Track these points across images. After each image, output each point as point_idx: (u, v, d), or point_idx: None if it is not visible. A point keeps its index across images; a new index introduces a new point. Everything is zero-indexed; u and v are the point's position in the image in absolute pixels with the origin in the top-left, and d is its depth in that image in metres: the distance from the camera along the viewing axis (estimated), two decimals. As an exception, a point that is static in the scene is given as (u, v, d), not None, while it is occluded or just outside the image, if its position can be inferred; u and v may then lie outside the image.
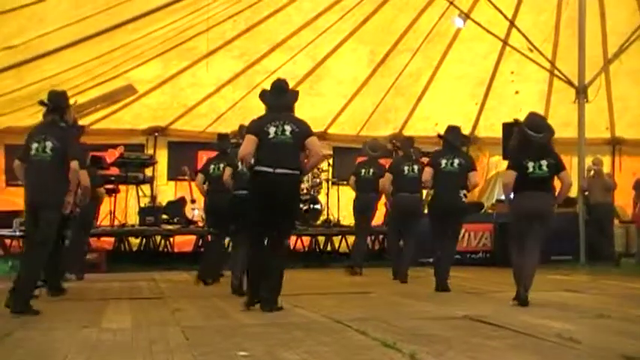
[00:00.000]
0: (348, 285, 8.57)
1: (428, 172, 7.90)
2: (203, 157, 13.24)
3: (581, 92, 11.59)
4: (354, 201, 10.01)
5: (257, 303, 5.90)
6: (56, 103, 6.22)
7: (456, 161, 7.77)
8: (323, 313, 5.77)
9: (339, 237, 12.63)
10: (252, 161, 6.02)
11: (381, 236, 12.65)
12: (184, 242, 12.34)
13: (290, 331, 4.85)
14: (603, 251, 11.56)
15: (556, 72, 12.20)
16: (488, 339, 4.57)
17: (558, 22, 12.62)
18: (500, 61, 13.25)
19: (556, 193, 6.56)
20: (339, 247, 12.62)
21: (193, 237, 12.15)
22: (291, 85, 6.62)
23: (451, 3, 11.30)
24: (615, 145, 14.64)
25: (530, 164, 6.35)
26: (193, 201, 12.10)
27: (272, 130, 6.01)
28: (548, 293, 7.37)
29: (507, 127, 11.89)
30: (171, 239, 12.06)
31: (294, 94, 6.40)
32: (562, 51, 12.69)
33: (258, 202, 6.05)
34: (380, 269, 10.30)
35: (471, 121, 13.97)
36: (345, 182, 13.34)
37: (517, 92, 13.56)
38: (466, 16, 11.63)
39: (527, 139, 6.40)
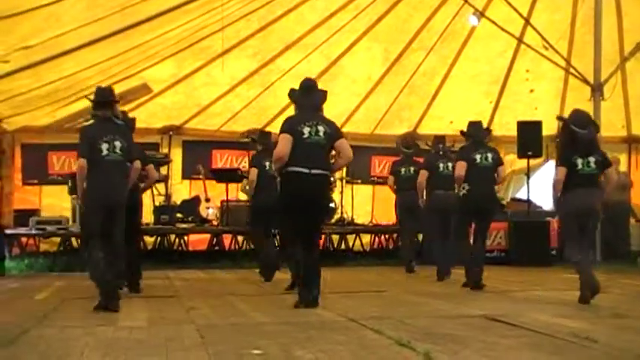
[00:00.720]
0: (362, 284, 8.57)
1: (462, 167, 7.73)
2: (217, 155, 13.37)
3: (597, 90, 11.51)
4: (398, 200, 9.89)
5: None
6: (104, 97, 6.26)
7: (489, 155, 7.78)
8: (338, 311, 5.77)
9: (353, 235, 12.63)
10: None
11: (395, 235, 12.66)
12: (199, 241, 12.38)
13: (305, 330, 4.86)
14: (619, 250, 11.48)
15: (571, 70, 12.12)
16: (504, 338, 4.56)
17: (574, 19, 12.53)
18: (515, 59, 13.17)
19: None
20: (352, 245, 12.62)
21: (208, 235, 12.20)
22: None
23: (466, 1, 11.25)
24: (631, 143, 14.52)
25: (579, 161, 6.38)
26: (208, 200, 12.14)
27: (306, 130, 6.03)
28: (563, 292, 7.34)
29: (522, 126, 11.85)
30: (186, 238, 12.10)
31: (323, 94, 6.41)
32: (577, 49, 12.60)
33: (295, 203, 6.04)
34: (395, 268, 10.30)
35: (485, 119, 13.85)
36: (359, 181, 13.39)
37: (532, 90, 13.49)
38: (481, 14, 11.59)
39: (573, 136, 6.42)
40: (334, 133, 6.17)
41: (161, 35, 10.50)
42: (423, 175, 9.02)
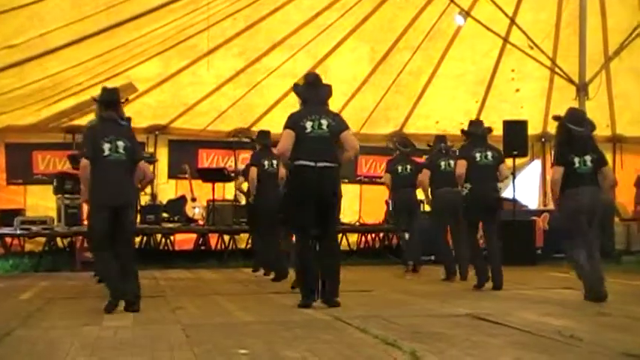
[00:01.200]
0: (349, 283, 8.51)
1: (463, 166, 7.69)
2: (203, 155, 13.34)
3: (582, 89, 11.56)
4: (395, 198, 9.84)
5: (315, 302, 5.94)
6: (110, 98, 6.23)
7: (489, 153, 7.76)
8: (324, 310, 5.77)
9: (340, 235, 12.57)
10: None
11: (381, 234, 12.67)
12: (185, 240, 12.35)
13: (291, 329, 4.85)
14: (604, 249, 11.50)
15: (557, 69, 12.18)
16: (490, 336, 4.58)
17: (559, 19, 12.59)
18: (500, 59, 13.21)
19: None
20: (339, 244, 12.60)
21: (194, 235, 12.16)
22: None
23: (452, 1, 11.27)
24: (616, 142, 14.61)
25: (576, 160, 6.36)
26: (194, 199, 12.11)
27: (309, 124, 6.04)
28: (548, 291, 7.39)
29: (508, 125, 11.89)
30: (172, 237, 12.07)
31: (329, 89, 6.40)
32: (563, 48, 12.66)
33: (301, 197, 6.04)
34: (382, 267, 10.31)
35: (472, 118, 13.93)
36: (345, 180, 13.35)
37: (518, 90, 13.54)
38: (466, 14, 11.61)
39: (570, 134, 6.41)
40: (338, 125, 6.17)
41: (146, 34, 10.46)
42: (425, 174, 9.00)
